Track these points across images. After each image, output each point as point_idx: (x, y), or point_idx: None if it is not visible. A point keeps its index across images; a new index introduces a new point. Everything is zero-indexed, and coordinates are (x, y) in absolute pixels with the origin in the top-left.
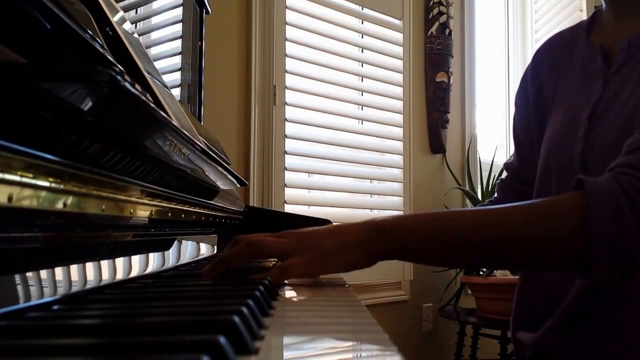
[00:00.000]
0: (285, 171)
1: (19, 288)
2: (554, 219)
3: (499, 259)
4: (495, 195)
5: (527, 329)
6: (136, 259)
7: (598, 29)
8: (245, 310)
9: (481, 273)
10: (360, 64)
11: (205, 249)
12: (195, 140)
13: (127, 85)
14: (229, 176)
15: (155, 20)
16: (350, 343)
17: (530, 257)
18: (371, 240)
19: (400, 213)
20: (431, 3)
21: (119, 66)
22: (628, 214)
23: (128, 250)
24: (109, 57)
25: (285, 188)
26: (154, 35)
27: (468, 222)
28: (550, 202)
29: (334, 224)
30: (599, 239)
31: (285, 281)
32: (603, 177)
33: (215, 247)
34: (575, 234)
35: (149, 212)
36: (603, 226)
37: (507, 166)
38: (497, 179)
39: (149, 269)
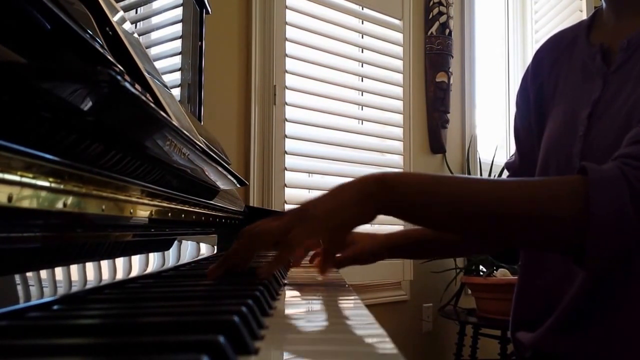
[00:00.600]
0: (285, 171)
1: (19, 288)
2: (555, 200)
3: (498, 232)
4: None
5: (527, 328)
6: (136, 259)
7: (598, 29)
8: (245, 310)
9: (481, 273)
10: (360, 64)
11: (205, 249)
12: (195, 140)
13: (127, 85)
14: (229, 176)
15: (155, 20)
16: (350, 343)
17: (527, 235)
18: (371, 194)
19: None
20: (431, 3)
21: (119, 66)
22: (628, 205)
23: (128, 250)
24: (109, 57)
25: (285, 188)
26: (154, 35)
27: (473, 191)
28: (554, 183)
29: (334, 186)
30: (596, 228)
31: (285, 281)
32: (607, 165)
33: (215, 247)
34: (573, 219)
35: (149, 212)
36: (602, 215)
37: (508, 166)
38: None
39: (149, 269)
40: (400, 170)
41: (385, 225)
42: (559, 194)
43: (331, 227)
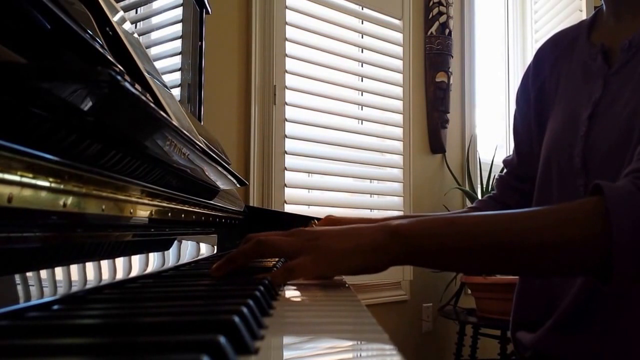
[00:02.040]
0: (285, 171)
1: (19, 288)
2: (572, 224)
3: (517, 264)
4: (494, 191)
5: (527, 329)
6: (136, 259)
7: (599, 29)
8: (245, 310)
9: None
10: (360, 64)
11: (205, 249)
12: (195, 140)
13: (127, 85)
14: (229, 176)
15: (155, 20)
16: (350, 343)
17: (548, 263)
18: (386, 245)
19: (400, 213)
20: (431, 3)
21: (119, 66)
22: None
23: (128, 250)
24: (109, 57)
25: (285, 188)
26: (154, 35)
27: (486, 227)
28: (567, 207)
29: (349, 226)
30: (621, 246)
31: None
32: (621, 183)
33: (216, 247)
34: (594, 240)
35: (149, 212)
36: (625, 231)
37: (506, 163)
38: (496, 179)
39: (149, 269)
40: (406, 214)
41: None
42: (578, 216)
43: (338, 269)
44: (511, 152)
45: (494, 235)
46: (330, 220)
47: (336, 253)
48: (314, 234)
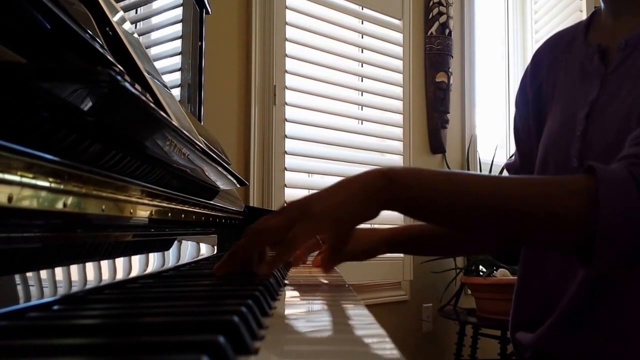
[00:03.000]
0: (285, 171)
1: (19, 288)
2: (560, 198)
3: (501, 230)
4: None
5: (526, 329)
6: (136, 259)
7: (596, 29)
8: (245, 310)
9: (481, 273)
10: (360, 64)
11: (205, 249)
12: (195, 141)
13: (127, 85)
14: (229, 176)
15: (155, 20)
16: (350, 343)
17: (532, 232)
18: (377, 189)
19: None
20: (431, 3)
21: (119, 66)
22: (637, 205)
23: (128, 250)
24: (109, 57)
25: (285, 188)
26: (154, 35)
27: (481, 189)
28: (559, 180)
29: (340, 180)
30: (604, 230)
31: (285, 281)
32: (614, 166)
33: (215, 247)
34: (580, 218)
35: (149, 212)
36: (612, 214)
37: (509, 167)
38: None
39: (149, 269)
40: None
41: (385, 226)
42: (565, 192)
43: (335, 224)
44: (511, 154)
45: (487, 199)
46: (366, 231)
47: (329, 209)
48: (304, 199)
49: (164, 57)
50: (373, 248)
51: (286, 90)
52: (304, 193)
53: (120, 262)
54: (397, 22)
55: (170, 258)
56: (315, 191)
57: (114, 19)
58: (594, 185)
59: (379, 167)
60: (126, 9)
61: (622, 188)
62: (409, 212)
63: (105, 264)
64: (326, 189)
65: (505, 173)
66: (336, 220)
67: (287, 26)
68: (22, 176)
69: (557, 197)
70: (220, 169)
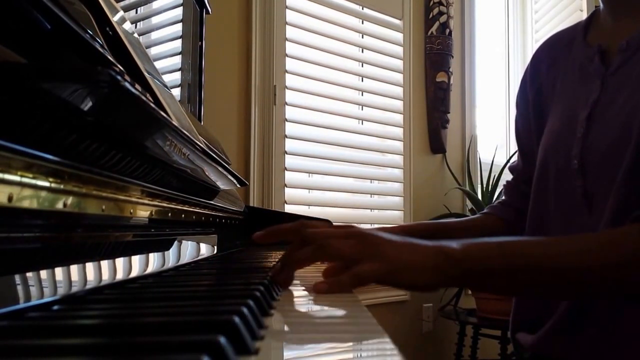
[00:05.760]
0: (285, 171)
1: (19, 288)
2: (618, 246)
3: (569, 286)
4: (503, 197)
5: (527, 329)
6: (136, 259)
7: (596, 29)
8: (245, 310)
9: None
10: (361, 64)
11: (205, 249)
12: (195, 140)
13: (127, 85)
14: (229, 176)
15: (155, 20)
16: (350, 343)
17: (604, 283)
18: (442, 267)
19: (400, 213)
20: (431, 3)
21: (119, 66)
22: None
23: (128, 250)
24: (109, 57)
25: (285, 188)
26: (154, 35)
27: (536, 249)
28: (612, 232)
29: (404, 239)
30: None
31: None
32: None
33: (216, 247)
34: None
35: (149, 212)
36: None
37: (512, 169)
38: (497, 179)
39: (149, 269)
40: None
41: (385, 226)
42: (625, 240)
43: (398, 280)
44: (511, 154)
45: (551, 258)
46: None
47: (398, 264)
48: (374, 240)
49: (164, 57)
50: None
51: (286, 90)
52: (304, 193)
53: (120, 262)
54: (397, 21)
55: (170, 258)
56: (315, 192)
57: (114, 18)
58: None
59: (438, 245)
60: (126, 9)
61: None
62: (472, 287)
63: (105, 264)
64: (396, 240)
65: (506, 173)
66: (399, 278)
67: (287, 26)
68: (22, 176)
69: (614, 246)
70: (220, 169)
